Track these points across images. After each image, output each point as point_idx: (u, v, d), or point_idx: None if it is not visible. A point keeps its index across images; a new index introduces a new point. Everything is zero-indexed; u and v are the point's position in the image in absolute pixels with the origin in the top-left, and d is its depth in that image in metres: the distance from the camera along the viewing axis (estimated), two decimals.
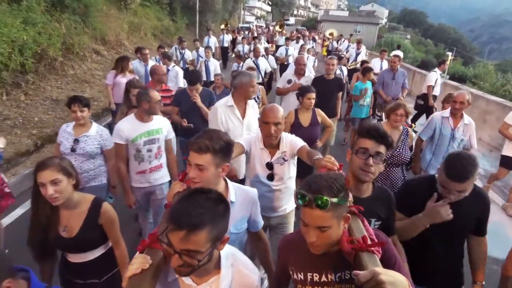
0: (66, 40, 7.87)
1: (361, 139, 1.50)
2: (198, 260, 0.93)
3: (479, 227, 1.71)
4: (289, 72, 4.83)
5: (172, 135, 2.88)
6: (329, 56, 4.98)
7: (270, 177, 2.08)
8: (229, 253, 1.14)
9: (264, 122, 1.97)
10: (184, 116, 3.50)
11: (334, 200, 1.02)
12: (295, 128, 3.41)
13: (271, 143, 2.04)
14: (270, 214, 2.20)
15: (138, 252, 1.03)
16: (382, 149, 1.45)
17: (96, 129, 2.72)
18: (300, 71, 4.62)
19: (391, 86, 5.85)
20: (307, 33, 19.23)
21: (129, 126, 2.63)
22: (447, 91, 7.03)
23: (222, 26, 15.08)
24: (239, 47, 10.14)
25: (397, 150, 2.86)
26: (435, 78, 6.28)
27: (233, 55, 9.14)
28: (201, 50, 7.86)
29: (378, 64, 7.58)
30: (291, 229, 2.32)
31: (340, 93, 4.78)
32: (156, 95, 2.63)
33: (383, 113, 4.86)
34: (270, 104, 2.20)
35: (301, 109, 3.49)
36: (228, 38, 12.36)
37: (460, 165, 1.48)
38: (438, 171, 1.62)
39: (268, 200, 2.13)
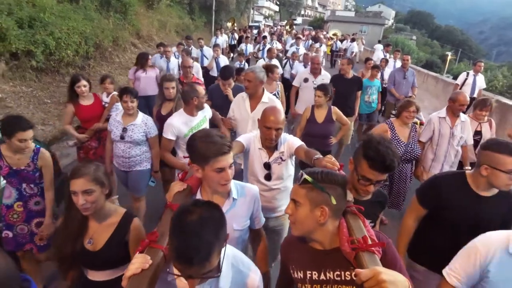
0: (113, 34, 9.56)
1: (365, 166, 1.45)
2: (217, 272, 0.97)
3: (503, 227, 1.67)
4: (305, 71, 4.90)
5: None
6: (342, 58, 5.43)
7: (268, 177, 2.09)
8: (228, 253, 1.11)
9: (266, 127, 1.95)
10: (216, 110, 3.43)
11: (309, 179, 1.08)
12: (310, 124, 3.55)
13: (270, 145, 2.04)
14: (268, 215, 2.16)
15: (138, 252, 1.03)
16: (385, 176, 1.45)
17: (141, 118, 2.91)
18: (315, 70, 4.65)
19: (402, 84, 5.98)
20: (313, 33, 19.92)
21: (180, 122, 2.71)
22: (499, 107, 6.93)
23: (229, 25, 15.42)
24: (242, 46, 10.20)
25: (410, 146, 2.96)
26: (463, 78, 6.50)
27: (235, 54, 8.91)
28: (205, 48, 7.88)
29: (392, 64, 7.70)
30: (286, 232, 2.34)
31: (359, 92, 4.80)
32: (201, 90, 2.79)
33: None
34: (270, 106, 2.18)
35: (316, 105, 3.56)
36: (224, 39, 11.55)
37: None
38: (484, 170, 1.59)
39: (266, 199, 2.11)
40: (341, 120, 3.62)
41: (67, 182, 1.47)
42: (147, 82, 5.05)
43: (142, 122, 2.90)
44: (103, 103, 3.60)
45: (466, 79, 6.46)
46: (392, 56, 8.84)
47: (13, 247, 2.29)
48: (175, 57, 6.77)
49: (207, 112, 2.98)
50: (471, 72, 6.46)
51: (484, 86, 6.56)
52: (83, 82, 3.28)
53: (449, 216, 1.72)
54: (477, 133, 3.55)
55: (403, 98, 5.24)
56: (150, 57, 5.34)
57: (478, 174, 1.64)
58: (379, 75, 5.99)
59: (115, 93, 3.62)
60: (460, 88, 6.34)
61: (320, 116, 3.53)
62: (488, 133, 3.60)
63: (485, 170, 1.60)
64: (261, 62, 6.37)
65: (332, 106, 3.62)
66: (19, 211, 2.26)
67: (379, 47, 14.54)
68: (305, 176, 1.10)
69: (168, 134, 2.69)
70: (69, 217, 1.52)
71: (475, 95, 6.16)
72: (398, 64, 7.70)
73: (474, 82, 6.33)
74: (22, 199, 2.25)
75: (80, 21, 7.92)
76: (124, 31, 10.39)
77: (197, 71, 5.63)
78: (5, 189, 2.29)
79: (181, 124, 2.71)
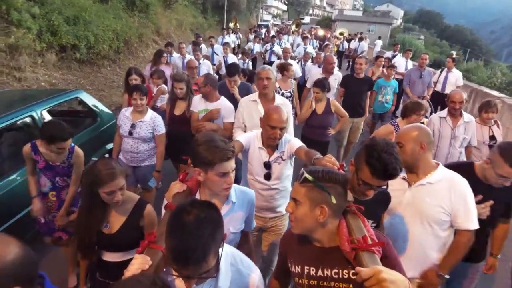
0: (138, 31, 10.63)
1: (367, 172, 1.39)
2: (215, 272, 1.00)
3: (506, 210, 1.86)
4: (318, 72, 4.93)
5: (230, 119, 3.12)
6: (358, 55, 5.12)
7: (267, 176, 2.10)
8: (228, 252, 1.12)
9: (270, 126, 1.97)
10: None
11: (309, 177, 1.09)
12: (310, 115, 3.73)
13: (271, 144, 2.05)
14: (265, 215, 2.19)
15: (137, 253, 1.05)
16: (386, 182, 1.42)
17: (150, 116, 2.95)
18: (329, 70, 4.72)
19: (418, 84, 5.82)
20: (319, 32, 19.39)
21: (197, 101, 3.16)
22: (479, 97, 6.97)
23: (231, 25, 15.82)
24: (250, 45, 10.23)
25: None
26: (437, 75, 6.57)
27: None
28: (216, 47, 8.10)
29: (403, 63, 7.49)
30: (283, 233, 2.28)
31: (369, 92, 4.75)
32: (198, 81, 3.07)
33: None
34: (274, 105, 2.23)
35: (316, 100, 3.75)
36: (231, 39, 11.47)
37: None
38: (486, 163, 1.76)
39: (264, 199, 2.13)
40: (339, 112, 3.81)
41: (94, 183, 1.55)
42: None
43: (151, 120, 2.94)
44: (153, 94, 4.03)
45: (439, 75, 6.45)
46: (399, 54, 8.62)
47: (46, 232, 2.45)
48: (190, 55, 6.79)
49: (223, 108, 3.11)
50: (445, 69, 6.43)
51: (461, 83, 6.40)
52: (134, 76, 3.61)
53: None
54: (491, 138, 3.33)
55: (416, 98, 4.97)
56: (165, 55, 5.47)
57: (484, 164, 1.82)
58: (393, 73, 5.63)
59: (163, 86, 4.10)
60: (435, 85, 6.38)
61: (320, 108, 3.73)
62: (500, 136, 3.41)
63: (486, 164, 1.79)
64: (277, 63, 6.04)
65: (330, 99, 3.78)
66: (53, 200, 2.39)
67: (379, 42, 15.31)
68: (306, 174, 1.10)
69: (192, 107, 3.18)
70: (92, 207, 1.62)
71: (446, 92, 6.14)
72: (410, 63, 7.59)
73: (445, 79, 6.34)
74: (55, 190, 2.37)
75: (112, 20, 9.01)
76: (146, 29, 11.47)
77: (208, 69, 5.81)
78: (40, 178, 2.39)
79: (197, 102, 3.18)
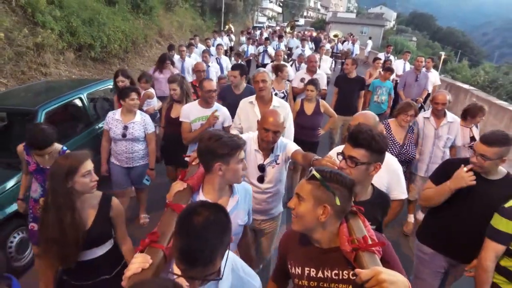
0: (144, 32, 11.43)
1: (346, 142, 1.51)
2: (218, 275, 1.00)
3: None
4: (302, 71, 5.12)
5: (228, 122, 3.09)
6: (346, 59, 5.25)
7: (261, 179, 2.11)
8: (230, 257, 1.10)
9: (264, 128, 1.98)
10: (228, 109, 3.29)
11: (317, 175, 1.10)
12: (300, 116, 3.73)
13: (266, 147, 2.07)
14: (258, 218, 2.19)
15: (138, 252, 1.04)
16: (357, 153, 1.43)
17: (140, 115, 3.01)
18: (312, 69, 4.83)
19: (413, 87, 5.80)
20: (314, 33, 20.72)
21: (189, 109, 2.97)
22: (452, 89, 7.25)
23: (226, 27, 16.39)
24: (243, 47, 10.23)
25: (405, 147, 2.91)
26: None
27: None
28: (212, 49, 8.08)
29: (401, 66, 7.54)
30: (277, 232, 2.35)
31: (362, 92, 4.83)
32: (207, 85, 2.91)
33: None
34: (271, 109, 2.25)
35: (306, 99, 3.79)
36: (221, 41, 11.12)
37: (493, 133, 1.75)
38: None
39: (257, 202, 2.13)
40: (328, 112, 3.88)
41: (69, 173, 1.54)
42: (163, 82, 5.01)
43: (141, 119, 3.02)
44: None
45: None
46: (392, 56, 8.79)
47: (36, 241, 2.33)
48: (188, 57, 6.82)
49: (222, 114, 3.03)
50: (423, 69, 6.43)
51: (439, 82, 6.82)
52: (121, 78, 3.72)
53: (456, 198, 1.85)
54: (472, 139, 3.38)
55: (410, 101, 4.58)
56: (168, 61, 5.35)
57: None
58: (391, 77, 5.77)
59: (150, 90, 4.11)
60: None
61: (309, 108, 3.77)
62: (477, 134, 3.46)
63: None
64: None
65: (320, 99, 3.86)
66: None
67: (370, 43, 16.29)
68: (314, 172, 1.11)
69: (182, 117, 3.00)
70: (61, 207, 1.55)
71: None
72: (407, 66, 7.68)
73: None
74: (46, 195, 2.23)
75: (120, 22, 9.80)
76: (150, 30, 12.28)
77: (216, 71, 5.94)
78: (32, 184, 2.39)
79: (189, 111, 2.99)
